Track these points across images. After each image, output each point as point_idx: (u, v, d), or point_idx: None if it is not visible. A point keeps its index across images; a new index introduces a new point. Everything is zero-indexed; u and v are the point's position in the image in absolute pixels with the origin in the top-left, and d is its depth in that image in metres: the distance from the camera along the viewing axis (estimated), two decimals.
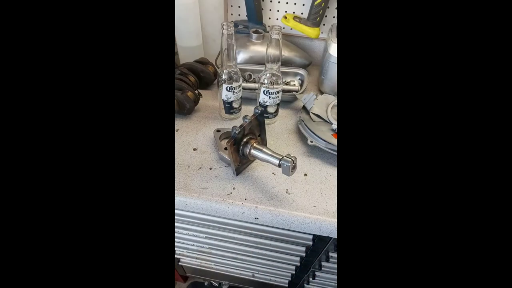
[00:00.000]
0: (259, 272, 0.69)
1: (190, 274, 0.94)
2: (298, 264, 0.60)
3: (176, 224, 0.55)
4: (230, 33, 0.46)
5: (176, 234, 0.59)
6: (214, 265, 0.70)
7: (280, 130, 0.55)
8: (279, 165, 0.39)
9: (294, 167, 0.39)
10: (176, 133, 0.53)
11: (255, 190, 0.43)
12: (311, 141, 0.49)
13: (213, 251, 0.63)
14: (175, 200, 0.42)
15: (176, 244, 0.64)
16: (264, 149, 0.42)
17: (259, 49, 0.66)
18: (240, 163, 0.44)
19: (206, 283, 0.97)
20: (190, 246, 0.63)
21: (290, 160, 0.38)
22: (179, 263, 0.75)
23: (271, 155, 0.40)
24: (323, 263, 0.57)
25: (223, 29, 0.45)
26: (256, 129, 0.45)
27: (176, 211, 0.45)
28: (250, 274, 0.71)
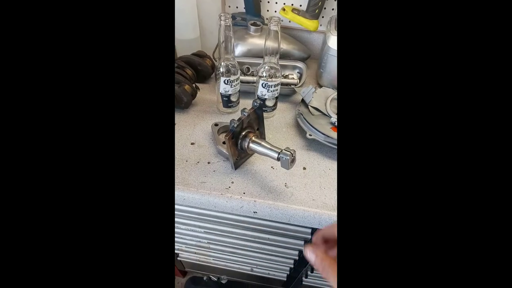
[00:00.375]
0: (258, 266, 0.69)
1: (189, 269, 0.94)
2: (297, 258, 0.60)
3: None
4: (228, 24, 0.45)
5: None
6: (213, 259, 0.71)
7: (278, 124, 0.55)
8: (278, 159, 0.39)
9: (293, 161, 0.38)
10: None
11: (254, 184, 0.43)
12: (310, 135, 0.49)
13: (211, 246, 0.63)
14: None
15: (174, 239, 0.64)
16: (262, 143, 0.41)
17: (257, 41, 0.65)
18: (239, 157, 0.44)
19: (205, 278, 0.97)
20: (189, 241, 0.63)
21: (289, 153, 0.37)
22: (178, 258, 0.74)
23: (270, 149, 0.40)
24: None
25: (221, 20, 0.44)
26: (254, 123, 0.44)
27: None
28: (249, 268, 0.71)
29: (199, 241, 0.62)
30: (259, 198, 0.41)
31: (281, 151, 0.38)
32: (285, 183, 0.43)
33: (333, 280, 0.25)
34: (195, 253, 0.69)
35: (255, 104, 0.42)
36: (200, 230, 0.56)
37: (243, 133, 0.42)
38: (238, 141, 0.42)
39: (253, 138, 0.42)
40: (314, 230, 0.49)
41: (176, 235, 0.62)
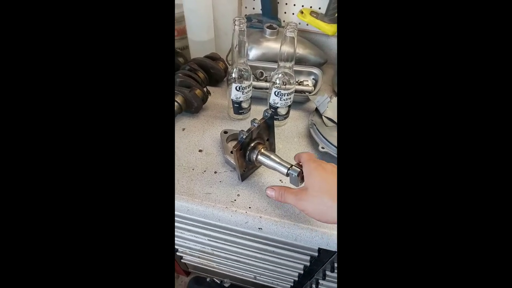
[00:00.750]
0: (261, 276, 0.67)
1: (193, 270, 0.94)
2: (302, 272, 0.58)
3: (178, 224, 0.54)
4: (242, 29, 0.43)
5: (178, 234, 0.58)
6: (216, 265, 0.70)
7: (290, 133, 0.53)
8: (287, 174, 0.37)
9: (303, 178, 0.36)
10: (182, 132, 0.51)
11: (260, 198, 0.41)
12: (323, 148, 0.47)
13: (215, 252, 0.62)
14: (177, 205, 0.41)
15: (178, 242, 0.63)
16: (272, 156, 0.39)
17: (272, 45, 0.62)
18: (246, 168, 0.42)
19: (208, 279, 0.97)
20: (193, 246, 0.63)
21: (299, 170, 0.35)
22: (182, 260, 0.74)
23: (279, 163, 0.38)
24: (327, 273, 0.55)
25: (235, 25, 0.42)
26: (264, 133, 0.42)
27: (178, 213, 0.44)
28: (252, 276, 0.70)
29: (203, 247, 0.61)
30: (265, 214, 0.39)
31: (291, 166, 0.36)
32: None
33: (290, 199, 0.33)
34: (199, 257, 0.68)
35: (266, 114, 0.40)
36: (204, 237, 0.55)
37: (252, 145, 0.40)
38: (246, 153, 0.40)
39: (262, 151, 0.40)
40: (321, 249, 0.47)
41: (179, 239, 0.61)
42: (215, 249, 0.60)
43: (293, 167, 0.36)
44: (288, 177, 0.37)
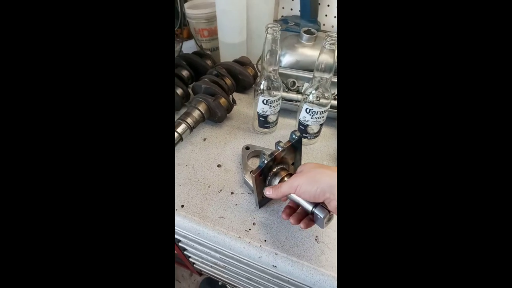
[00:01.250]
0: None
1: (205, 272, 0.93)
2: None
3: (189, 236, 0.52)
4: (275, 37, 0.38)
5: (189, 243, 0.56)
6: (228, 276, 0.67)
7: (319, 154, 0.47)
8: (312, 213, 0.32)
9: (330, 219, 0.31)
10: (203, 142, 0.48)
11: (278, 230, 0.36)
12: None
13: (227, 266, 0.60)
14: (188, 226, 0.38)
15: (190, 250, 0.62)
16: None
17: (309, 52, 0.56)
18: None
19: (220, 283, 0.96)
20: (205, 256, 0.61)
21: (326, 211, 0.30)
22: (194, 265, 0.73)
23: (304, 198, 0.33)
24: None
25: (267, 33, 0.38)
26: (289, 156, 0.38)
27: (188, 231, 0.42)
28: None
29: (215, 261, 0.59)
30: (282, 251, 0.34)
31: (317, 205, 0.31)
32: (316, 237, 0.36)
33: (285, 187, 0.32)
34: (211, 267, 0.67)
35: (294, 136, 0.35)
36: (216, 254, 0.52)
37: (274, 170, 0.36)
38: (267, 178, 0.36)
39: (285, 179, 0.35)
40: None
41: (191, 248, 0.59)
42: (227, 265, 0.57)
43: (321, 206, 0.31)
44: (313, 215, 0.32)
